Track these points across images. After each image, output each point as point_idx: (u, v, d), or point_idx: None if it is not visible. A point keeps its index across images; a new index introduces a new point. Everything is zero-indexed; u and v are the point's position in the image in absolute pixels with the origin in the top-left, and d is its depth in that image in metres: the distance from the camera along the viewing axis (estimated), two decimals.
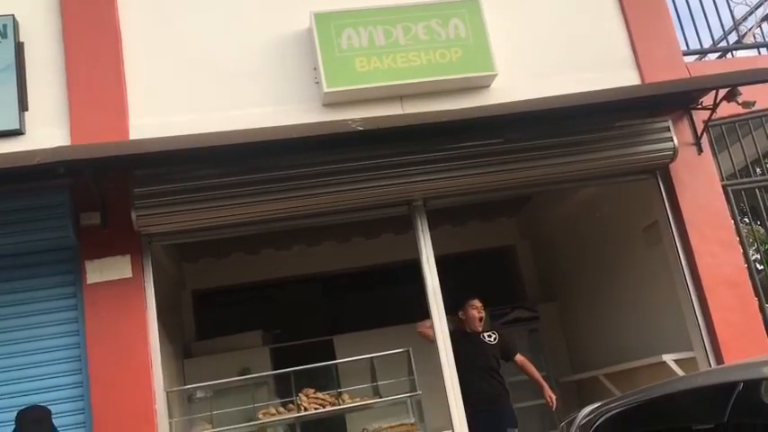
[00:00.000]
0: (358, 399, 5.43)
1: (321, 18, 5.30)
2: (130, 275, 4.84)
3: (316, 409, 5.23)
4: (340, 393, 5.43)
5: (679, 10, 6.33)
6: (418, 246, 5.30)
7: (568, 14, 5.83)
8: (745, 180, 5.86)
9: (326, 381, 5.94)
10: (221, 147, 4.64)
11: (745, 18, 7.10)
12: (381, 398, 5.47)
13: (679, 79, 5.54)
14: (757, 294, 5.47)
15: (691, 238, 5.43)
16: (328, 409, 5.28)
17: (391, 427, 5.41)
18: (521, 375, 6.33)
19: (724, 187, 5.62)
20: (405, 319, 6.32)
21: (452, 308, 5.71)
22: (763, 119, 5.89)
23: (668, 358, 5.59)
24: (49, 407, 4.17)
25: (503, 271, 8.99)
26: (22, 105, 4.97)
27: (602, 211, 6.82)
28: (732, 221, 5.57)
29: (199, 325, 7.92)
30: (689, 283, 5.43)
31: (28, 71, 5.07)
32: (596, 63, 5.67)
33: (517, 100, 5.15)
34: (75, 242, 4.86)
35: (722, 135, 5.77)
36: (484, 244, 8.55)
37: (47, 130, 4.94)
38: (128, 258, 4.86)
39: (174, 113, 5.11)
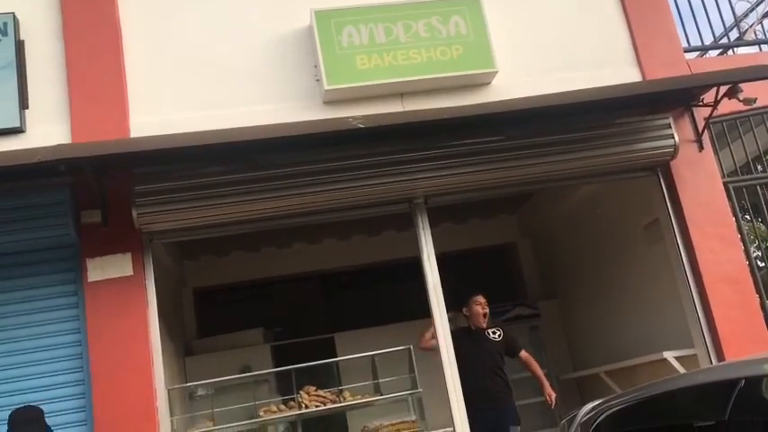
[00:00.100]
0: (359, 396, 5.43)
1: (321, 15, 5.29)
2: (131, 273, 4.84)
3: (317, 406, 5.24)
4: (341, 391, 5.43)
5: (680, 7, 6.34)
6: (419, 243, 5.30)
7: (569, 11, 5.82)
8: (746, 177, 5.85)
9: (327, 378, 5.94)
10: (222, 144, 4.64)
11: (746, 15, 7.09)
12: (382, 395, 5.46)
13: (680, 76, 5.53)
14: (758, 291, 5.47)
15: (692, 236, 5.43)
16: (329, 406, 5.28)
17: (392, 425, 5.41)
18: (522, 373, 6.33)
19: (725, 184, 5.62)
20: (406, 316, 6.33)
21: (453, 305, 5.71)
22: (765, 116, 5.88)
23: (669, 355, 5.59)
24: (45, 405, 4.17)
25: (503, 268, 8.99)
26: (23, 103, 4.97)
27: (602, 209, 6.81)
28: (733, 218, 5.57)
29: (200, 323, 7.92)
30: (690, 281, 5.43)
31: (28, 69, 5.07)
32: (597, 60, 5.66)
33: (518, 97, 5.15)
34: (76, 240, 4.86)
35: (723, 132, 5.77)
36: (485, 241, 8.55)
37: (47, 128, 4.94)
38: (128, 256, 4.86)
39: (175, 111, 5.11)
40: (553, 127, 5.23)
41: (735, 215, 5.59)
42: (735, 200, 5.61)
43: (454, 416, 5.00)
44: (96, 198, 4.82)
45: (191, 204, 4.85)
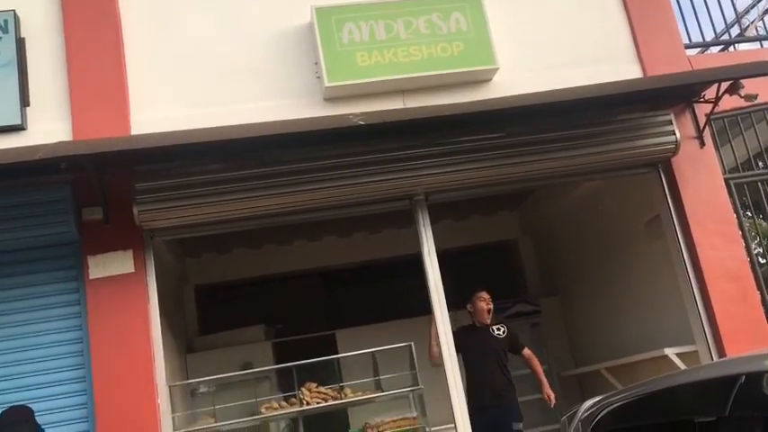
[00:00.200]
0: (360, 393, 5.44)
1: (322, 12, 5.29)
2: (133, 270, 4.85)
3: (318, 403, 5.24)
4: (342, 387, 5.44)
5: (681, 3, 6.34)
6: (420, 240, 5.30)
7: (570, 7, 5.81)
8: (747, 173, 5.85)
9: (329, 375, 5.95)
10: (223, 141, 4.64)
11: (747, 11, 7.09)
12: (383, 392, 5.47)
13: (681, 72, 5.52)
14: (759, 288, 5.47)
15: (693, 232, 5.43)
16: (330, 403, 5.29)
17: (393, 422, 5.42)
18: (522, 370, 6.33)
19: (726, 181, 5.61)
20: (406, 313, 6.33)
21: (454, 302, 5.70)
22: (766, 112, 5.88)
23: (670, 352, 5.59)
24: (46, 402, 4.18)
25: (504, 265, 9.00)
26: (24, 101, 4.97)
27: (604, 205, 6.81)
28: (734, 215, 5.57)
29: (201, 320, 7.93)
30: (691, 277, 5.43)
31: (29, 66, 5.07)
32: (598, 56, 5.65)
33: (519, 94, 5.13)
34: (77, 237, 4.87)
35: (724, 128, 5.76)
36: (486, 238, 8.56)
37: (48, 126, 4.94)
38: (130, 253, 4.87)
39: (176, 108, 5.12)
40: (554, 123, 5.22)
41: (736, 211, 5.58)
42: (736, 196, 5.61)
43: (455, 412, 5.01)
44: (97, 195, 4.82)
45: (192, 201, 4.85)
